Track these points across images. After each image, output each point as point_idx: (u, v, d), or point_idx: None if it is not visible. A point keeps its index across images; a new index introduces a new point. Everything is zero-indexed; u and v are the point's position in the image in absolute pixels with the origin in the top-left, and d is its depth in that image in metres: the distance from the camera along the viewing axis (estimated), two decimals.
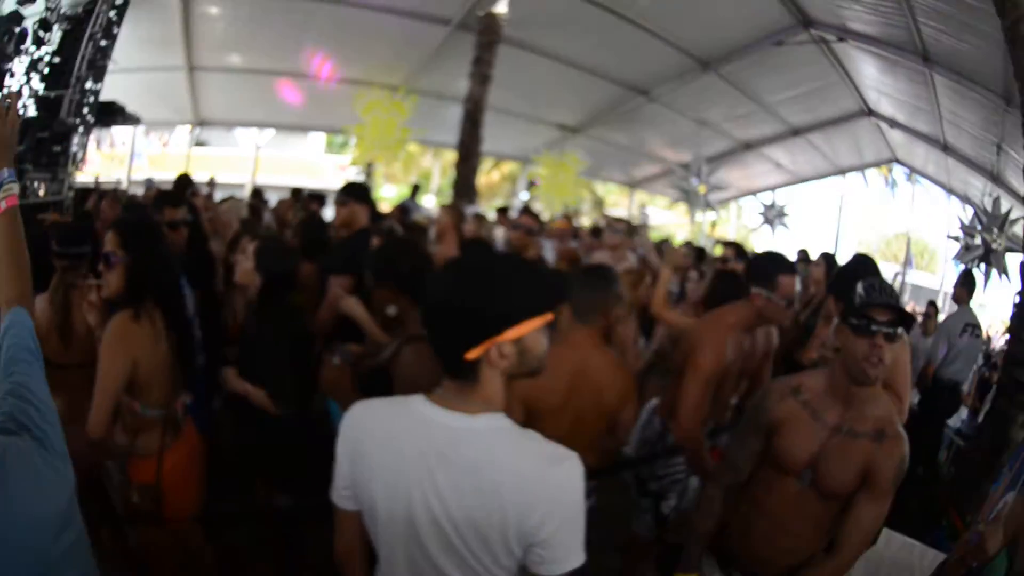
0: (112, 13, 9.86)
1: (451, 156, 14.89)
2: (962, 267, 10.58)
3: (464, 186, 13.06)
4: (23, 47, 8.92)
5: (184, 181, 7.63)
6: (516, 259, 2.13)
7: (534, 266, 1.84)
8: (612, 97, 15.46)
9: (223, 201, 6.85)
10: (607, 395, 2.93)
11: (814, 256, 6.65)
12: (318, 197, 9.26)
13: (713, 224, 18.71)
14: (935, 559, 3.30)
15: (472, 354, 1.47)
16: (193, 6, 11.73)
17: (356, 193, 4.58)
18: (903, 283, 15.48)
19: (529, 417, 2.64)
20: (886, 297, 2.28)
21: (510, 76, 13.27)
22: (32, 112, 9.38)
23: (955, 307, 7.43)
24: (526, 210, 8.40)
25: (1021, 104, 5.82)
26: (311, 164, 18.02)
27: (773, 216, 16.41)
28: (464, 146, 13.22)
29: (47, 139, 9.69)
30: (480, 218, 8.17)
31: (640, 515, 3.78)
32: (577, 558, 1.45)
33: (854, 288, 2.36)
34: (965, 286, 7.08)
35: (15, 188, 2.03)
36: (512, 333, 1.47)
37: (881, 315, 2.24)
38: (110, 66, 10.32)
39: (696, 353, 3.33)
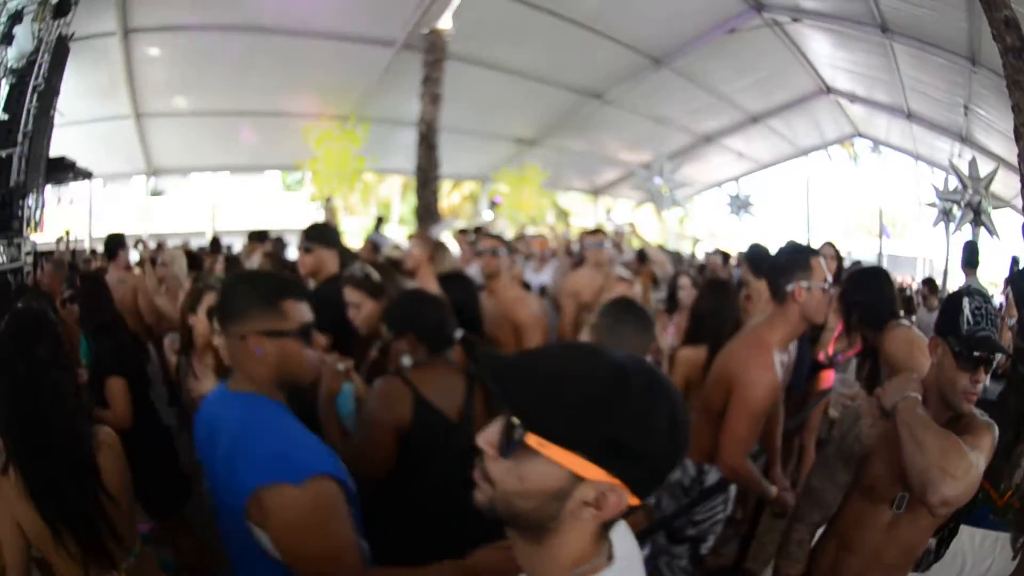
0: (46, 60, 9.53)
1: (409, 182, 14.83)
2: (941, 233, 10.81)
3: (427, 212, 12.80)
4: None
5: (114, 241, 7.37)
6: None
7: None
8: (566, 104, 15.44)
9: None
10: None
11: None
12: (277, 240, 9.12)
13: (681, 220, 18.88)
14: (984, 539, 3.25)
15: None
16: (134, 50, 11.51)
17: (321, 237, 4.32)
18: (880, 254, 15.67)
19: None
20: (991, 327, 2.14)
21: (461, 93, 13.16)
22: None
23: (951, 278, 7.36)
24: (478, 231, 8.26)
25: (1004, 65, 5.80)
26: (270, 204, 17.72)
27: (739, 207, 16.54)
28: (422, 171, 13.01)
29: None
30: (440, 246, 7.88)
31: (673, 562, 3.51)
32: None
33: (958, 307, 2.19)
34: (971, 258, 6.88)
35: None
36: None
37: (987, 347, 2.13)
38: (56, 119, 9.89)
39: (743, 387, 3.00)
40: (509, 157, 17.00)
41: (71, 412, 2.20)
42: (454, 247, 7.73)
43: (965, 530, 3.23)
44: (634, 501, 1.06)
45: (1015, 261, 6.28)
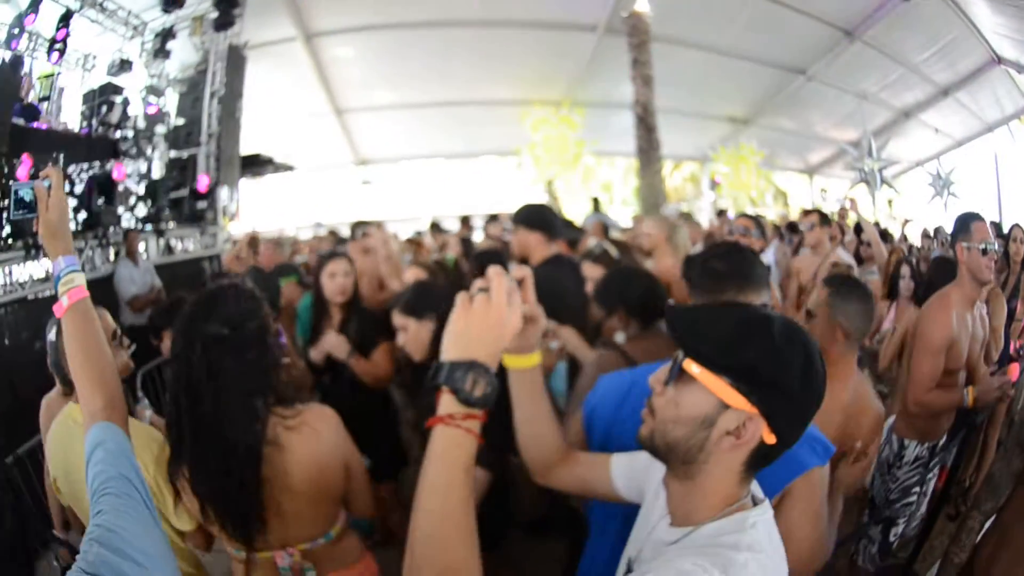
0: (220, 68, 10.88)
1: (630, 164, 15.28)
2: None
3: (651, 193, 13.18)
4: (128, 117, 9.56)
5: (356, 226, 8.42)
6: None
7: None
8: (772, 82, 15.28)
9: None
10: (864, 427, 2.63)
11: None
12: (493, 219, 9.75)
13: (890, 202, 18.36)
14: None
15: None
16: (320, 52, 12.53)
17: (524, 219, 4.46)
18: None
19: None
20: None
21: (670, 74, 13.41)
22: (158, 174, 10.29)
23: None
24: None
25: None
26: (487, 188, 18.25)
27: (942, 186, 15.96)
28: (643, 152, 13.30)
29: (187, 197, 10.59)
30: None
31: (867, 546, 3.78)
32: None
33: None
34: None
35: (78, 279, 1.80)
36: None
37: None
38: (247, 119, 11.18)
39: (920, 332, 3.45)
40: (724, 137, 16.94)
41: (237, 392, 2.07)
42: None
43: None
44: (770, 438, 1.24)
45: None
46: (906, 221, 15.84)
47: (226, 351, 2.03)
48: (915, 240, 11.26)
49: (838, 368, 2.44)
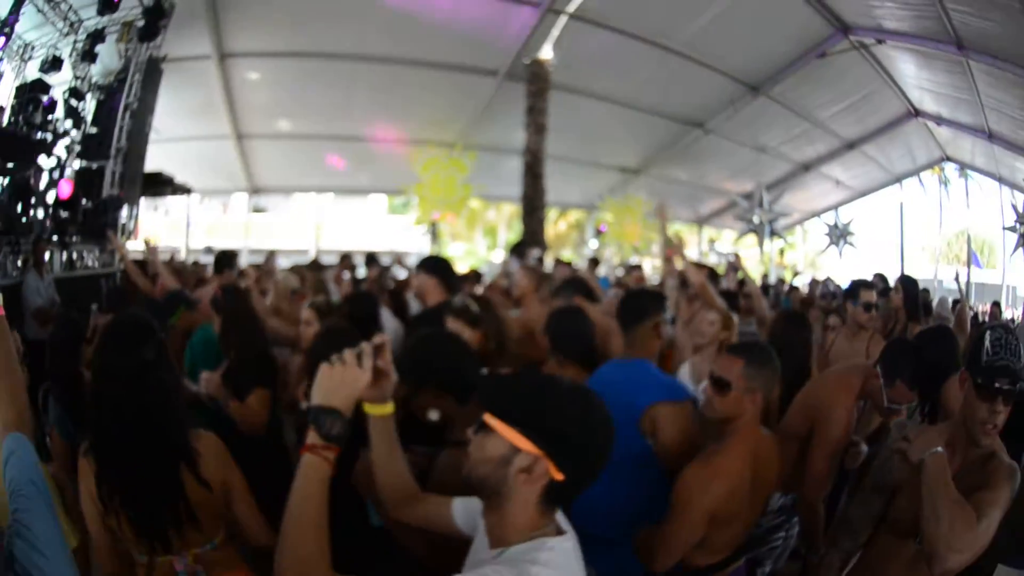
0: (138, 79, 10.37)
1: (515, 209, 15.27)
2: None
3: (533, 240, 12.94)
4: (51, 118, 9.22)
5: (225, 257, 7.35)
6: None
7: None
8: (669, 133, 15.80)
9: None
10: (772, 482, 2.75)
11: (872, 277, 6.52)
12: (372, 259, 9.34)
13: (781, 252, 18.83)
14: None
15: None
16: (232, 73, 12.31)
17: (427, 266, 4.58)
18: (968, 283, 15.17)
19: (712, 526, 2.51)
20: (1011, 357, 2.19)
21: (565, 122, 13.62)
22: (67, 188, 9.60)
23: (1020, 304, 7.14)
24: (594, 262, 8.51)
25: None
26: (373, 226, 18.49)
27: (838, 236, 16.62)
28: (528, 199, 13.47)
29: (92, 211, 10.01)
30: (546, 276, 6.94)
31: None
32: None
33: (980, 339, 2.28)
34: None
35: None
36: None
37: (1004, 376, 2.17)
38: (152, 136, 10.74)
39: (826, 424, 3.20)
40: (614, 186, 17.46)
41: (174, 405, 2.31)
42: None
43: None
44: (558, 475, 1.43)
45: None
46: (796, 273, 16.37)
47: (140, 375, 2.22)
48: (804, 289, 11.25)
49: (743, 433, 2.53)
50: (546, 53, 12.93)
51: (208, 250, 12.25)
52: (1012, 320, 11.39)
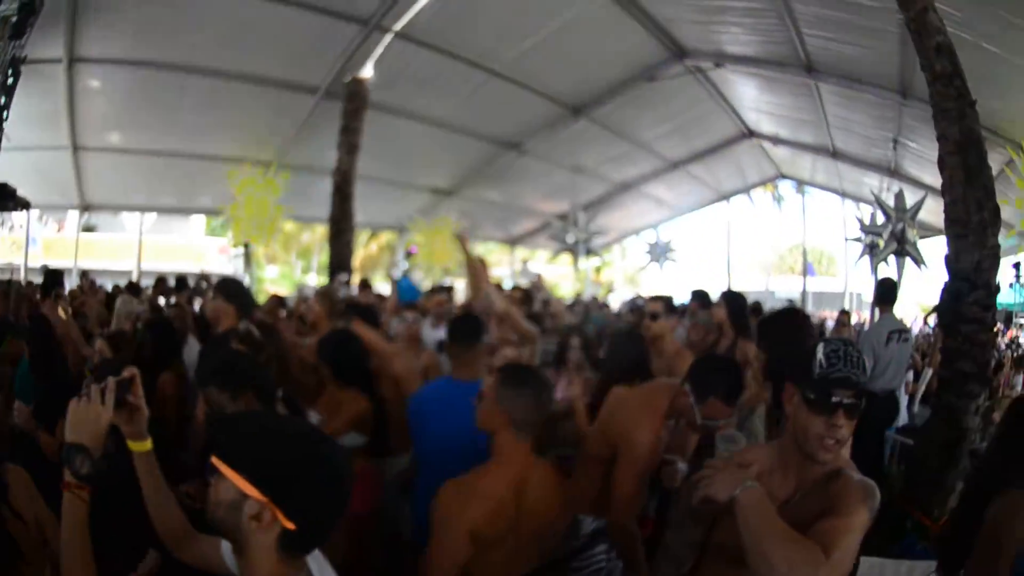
0: None
1: (326, 231, 14.28)
2: (867, 267, 11.09)
3: (339, 262, 12.71)
4: None
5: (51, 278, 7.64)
6: None
7: None
8: (483, 155, 15.62)
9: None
10: (549, 509, 2.67)
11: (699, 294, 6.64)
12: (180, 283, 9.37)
13: (598, 270, 19.21)
14: (911, 568, 3.22)
15: None
16: (77, 80, 11.31)
17: (222, 290, 4.60)
18: (805, 292, 16.19)
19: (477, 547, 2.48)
20: (850, 368, 1.99)
21: (380, 143, 13.18)
22: None
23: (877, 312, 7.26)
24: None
25: (931, 95, 5.94)
26: (194, 248, 17.97)
27: (659, 253, 16.94)
28: (335, 221, 12.96)
29: None
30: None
31: None
32: None
33: (812, 353, 2.06)
34: (885, 295, 6.92)
35: None
36: None
37: (843, 388, 1.97)
38: (5, 143, 9.52)
39: (629, 446, 3.13)
40: (426, 207, 17.15)
41: None
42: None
43: (889, 564, 3.27)
44: (288, 524, 1.41)
45: (945, 289, 6.34)
46: (610, 288, 16.57)
47: None
48: (615, 307, 11.71)
49: (504, 455, 2.56)
50: (367, 71, 12.36)
51: (44, 269, 11.22)
52: (860, 324, 12.26)
